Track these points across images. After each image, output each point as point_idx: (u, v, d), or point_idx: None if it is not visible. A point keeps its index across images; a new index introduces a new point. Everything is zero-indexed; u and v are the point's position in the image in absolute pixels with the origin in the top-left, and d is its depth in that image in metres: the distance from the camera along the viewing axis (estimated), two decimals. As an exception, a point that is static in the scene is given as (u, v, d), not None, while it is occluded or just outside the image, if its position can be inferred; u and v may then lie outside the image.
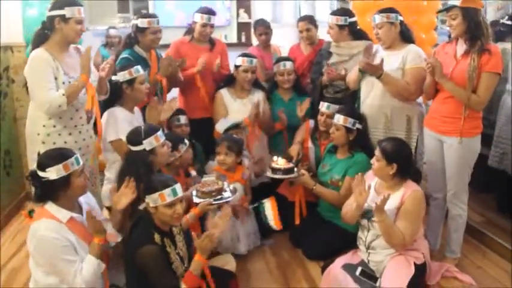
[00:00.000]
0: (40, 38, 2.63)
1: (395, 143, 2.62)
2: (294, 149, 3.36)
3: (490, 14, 5.04)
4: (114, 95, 2.95)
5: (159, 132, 2.60)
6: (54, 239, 2.04)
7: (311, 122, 3.51)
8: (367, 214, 2.61)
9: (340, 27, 3.43)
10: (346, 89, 3.39)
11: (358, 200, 2.55)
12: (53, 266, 2.08)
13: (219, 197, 2.71)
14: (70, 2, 2.59)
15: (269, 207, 3.05)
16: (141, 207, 2.22)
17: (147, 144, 2.52)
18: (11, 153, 3.83)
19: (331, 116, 3.22)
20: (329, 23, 3.47)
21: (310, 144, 3.45)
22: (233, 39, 6.67)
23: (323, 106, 3.31)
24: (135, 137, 2.56)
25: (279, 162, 3.08)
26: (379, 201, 2.42)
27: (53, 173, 2.06)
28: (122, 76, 2.91)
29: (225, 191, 2.78)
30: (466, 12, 2.56)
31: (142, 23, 3.33)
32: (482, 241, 3.25)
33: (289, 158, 3.19)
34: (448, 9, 2.64)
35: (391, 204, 2.55)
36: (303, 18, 4.06)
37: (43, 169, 2.07)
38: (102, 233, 2.18)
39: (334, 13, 3.51)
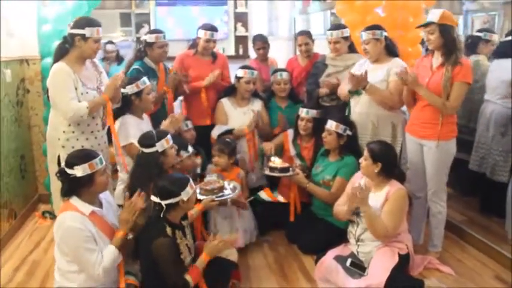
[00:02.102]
0: (61, 52, 2.91)
1: (381, 145, 2.93)
2: (267, 144, 3.68)
3: (477, 27, 5.36)
4: (125, 105, 3.22)
5: (169, 136, 2.89)
6: (79, 229, 2.29)
7: (290, 132, 3.78)
8: (356, 210, 2.90)
9: (345, 39, 3.71)
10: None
11: (350, 206, 2.86)
12: (76, 254, 2.32)
13: (220, 194, 3.02)
14: (90, 22, 2.88)
15: (265, 196, 3.30)
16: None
17: (160, 146, 2.80)
18: (25, 158, 4.09)
19: (310, 121, 3.55)
20: (334, 37, 3.68)
21: (293, 152, 3.70)
22: (231, 51, 6.96)
23: (302, 112, 3.59)
24: (148, 140, 2.82)
25: (276, 162, 3.37)
26: (359, 192, 2.71)
27: (79, 171, 2.32)
28: (130, 89, 3.18)
29: (226, 189, 3.08)
30: (443, 28, 2.86)
31: (150, 38, 3.62)
32: (463, 237, 3.53)
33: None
34: (426, 25, 2.93)
35: (377, 201, 2.84)
36: (302, 33, 4.35)
37: (71, 167, 2.33)
38: (129, 226, 2.44)
39: (337, 27, 3.75)
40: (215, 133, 3.70)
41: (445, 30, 2.86)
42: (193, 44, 4.01)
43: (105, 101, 2.92)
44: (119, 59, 5.72)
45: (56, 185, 2.88)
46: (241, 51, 7.01)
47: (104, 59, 5.65)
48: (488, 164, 3.68)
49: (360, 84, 3.17)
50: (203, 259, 2.52)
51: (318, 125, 3.52)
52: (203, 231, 3.11)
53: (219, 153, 3.38)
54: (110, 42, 5.78)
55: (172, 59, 4.00)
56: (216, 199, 2.97)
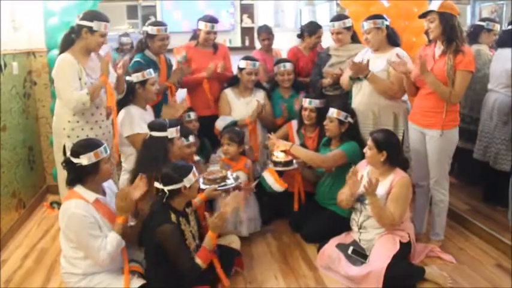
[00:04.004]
0: (67, 42, 2.96)
1: (385, 133, 2.95)
2: (272, 144, 3.62)
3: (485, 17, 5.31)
4: (128, 94, 3.27)
5: (179, 127, 2.95)
6: (83, 216, 2.35)
7: (294, 123, 3.80)
8: (360, 198, 2.94)
9: (347, 29, 3.73)
10: (343, 87, 3.67)
11: (352, 188, 2.88)
12: (81, 241, 2.38)
13: (223, 183, 3.06)
14: (99, 16, 2.93)
15: (269, 176, 3.35)
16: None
17: (170, 133, 2.86)
18: (33, 149, 4.16)
19: (313, 110, 3.57)
20: (336, 28, 3.71)
21: (297, 142, 3.72)
22: (237, 43, 6.99)
23: (305, 102, 3.61)
24: (160, 125, 2.88)
25: (279, 156, 3.39)
26: (368, 185, 2.74)
27: (85, 160, 2.38)
28: (135, 77, 3.24)
29: (228, 178, 3.12)
30: (442, 16, 2.85)
31: (152, 30, 3.65)
32: (466, 226, 3.54)
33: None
34: (426, 13, 2.94)
35: (381, 190, 2.86)
36: (320, 26, 4.26)
37: (77, 156, 2.39)
38: (126, 213, 2.49)
39: (339, 18, 3.77)
40: (220, 124, 3.74)
41: (445, 18, 2.85)
42: (194, 36, 4.05)
43: (104, 82, 2.96)
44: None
45: (62, 175, 2.93)
46: (247, 43, 7.03)
47: (118, 49, 5.67)
48: (491, 153, 3.68)
49: (361, 72, 3.19)
50: (209, 236, 2.56)
51: (322, 115, 3.53)
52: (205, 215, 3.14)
53: (229, 141, 3.42)
54: (125, 34, 5.80)
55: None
56: (219, 188, 3.02)
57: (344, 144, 3.33)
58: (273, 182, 3.35)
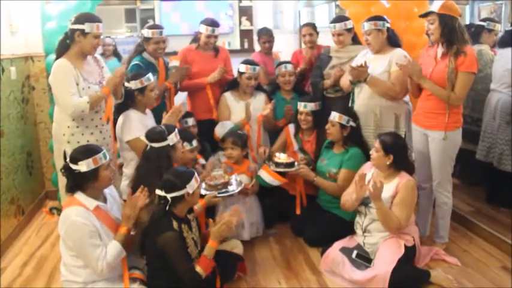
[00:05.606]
0: (62, 48, 2.93)
1: (393, 137, 2.92)
2: (261, 148, 3.67)
3: (484, 17, 5.30)
4: (128, 100, 3.23)
5: (177, 130, 2.91)
6: (83, 224, 2.31)
7: (291, 127, 3.77)
8: (364, 201, 2.90)
9: (349, 31, 3.69)
10: (345, 89, 3.64)
11: (359, 193, 2.85)
12: (80, 249, 2.35)
13: (224, 190, 3.02)
14: (90, 18, 2.89)
15: (264, 173, 3.33)
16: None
17: (170, 140, 2.81)
18: (32, 155, 4.12)
19: (309, 114, 3.54)
20: (337, 30, 3.65)
21: (296, 146, 3.70)
22: (236, 45, 6.95)
23: (301, 106, 3.58)
24: (159, 134, 2.82)
25: (281, 157, 3.36)
26: (373, 189, 2.70)
27: (84, 166, 2.34)
28: (134, 85, 3.19)
29: (231, 184, 3.08)
30: (442, 18, 2.82)
31: (147, 33, 3.62)
32: (470, 228, 3.50)
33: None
34: (426, 14, 2.91)
35: (386, 193, 2.83)
36: (306, 24, 4.36)
37: (75, 162, 2.35)
38: (131, 223, 2.46)
39: (340, 20, 3.72)
40: (219, 131, 3.67)
41: (444, 20, 2.82)
42: (195, 39, 4.02)
43: (106, 94, 2.93)
44: (117, 54, 5.66)
45: (63, 181, 2.88)
46: (246, 45, 6.99)
47: (102, 54, 5.56)
48: (495, 154, 3.65)
49: (360, 76, 3.16)
50: (210, 245, 2.52)
51: (318, 118, 3.51)
52: (208, 222, 3.11)
53: (233, 145, 3.39)
54: (108, 36, 5.72)
55: (175, 54, 4.01)
56: (218, 195, 2.97)
57: (347, 159, 3.30)
58: (269, 177, 3.32)
